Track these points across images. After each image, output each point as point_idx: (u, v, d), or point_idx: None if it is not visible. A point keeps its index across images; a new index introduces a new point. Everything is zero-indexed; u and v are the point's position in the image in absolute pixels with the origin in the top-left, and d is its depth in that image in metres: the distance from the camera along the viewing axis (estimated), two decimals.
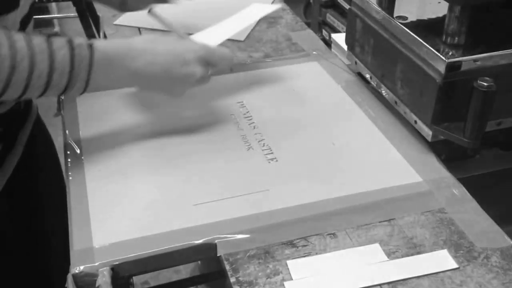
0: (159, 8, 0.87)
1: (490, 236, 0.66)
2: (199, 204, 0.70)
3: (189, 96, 0.91)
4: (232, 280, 0.60)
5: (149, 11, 0.87)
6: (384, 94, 0.87)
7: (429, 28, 0.79)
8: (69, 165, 0.76)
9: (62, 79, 0.66)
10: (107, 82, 0.73)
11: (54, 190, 0.96)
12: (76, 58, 0.67)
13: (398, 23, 0.81)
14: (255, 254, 0.63)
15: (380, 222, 0.68)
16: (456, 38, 0.74)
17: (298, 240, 0.65)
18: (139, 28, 1.13)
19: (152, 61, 0.73)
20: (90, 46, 0.68)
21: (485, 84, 0.67)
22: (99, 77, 0.70)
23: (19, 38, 0.64)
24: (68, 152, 0.79)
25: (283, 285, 0.60)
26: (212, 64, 0.78)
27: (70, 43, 0.67)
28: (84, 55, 0.67)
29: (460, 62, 0.72)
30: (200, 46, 0.77)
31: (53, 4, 2.99)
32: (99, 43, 0.69)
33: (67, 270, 0.62)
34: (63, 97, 0.91)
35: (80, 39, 0.68)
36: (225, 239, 0.64)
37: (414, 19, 0.82)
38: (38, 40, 0.65)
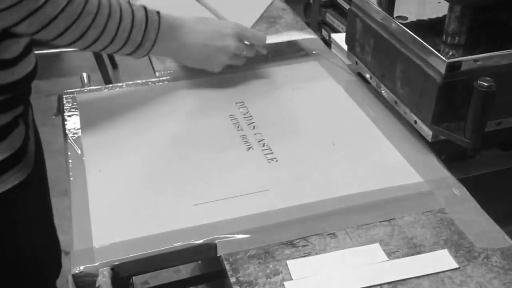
0: None
1: (490, 236, 0.66)
2: (199, 204, 0.70)
3: (189, 96, 0.91)
4: (232, 280, 0.60)
5: None
6: (384, 94, 0.87)
7: (429, 28, 0.79)
8: (70, 165, 0.76)
9: (138, 36, 0.78)
10: (163, 49, 0.83)
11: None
12: (150, 20, 0.78)
13: (398, 23, 0.81)
14: (255, 254, 0.63)
15: (380, 222, 0.68)
16: (456, 38, 0.74)
17: (298, 240, 0.65)
18: None
19: (195, 36, 0.85)
20: (158, 13, 0.80)
21: (485, 84, 0.67)
22: (161, 41, 0.81)
23: None
24: (69, 153, 0.79)
25: (283, 285, 0.60)
26: (246, 40, 0.90)
27: (145, 7, 0.78)
28: (154, 19, 0.79)
29: (460, 62, 0.72)
30: (235, 24, 0.89)
31: None
32: (162, 12, 0.81)
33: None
34: (61, 97, 0.91)
35: (149, 7, 0.79)
36: (225, 239, 0.64)
37: (414, 19, 0.82)
38: (122, 0, 0.76)
